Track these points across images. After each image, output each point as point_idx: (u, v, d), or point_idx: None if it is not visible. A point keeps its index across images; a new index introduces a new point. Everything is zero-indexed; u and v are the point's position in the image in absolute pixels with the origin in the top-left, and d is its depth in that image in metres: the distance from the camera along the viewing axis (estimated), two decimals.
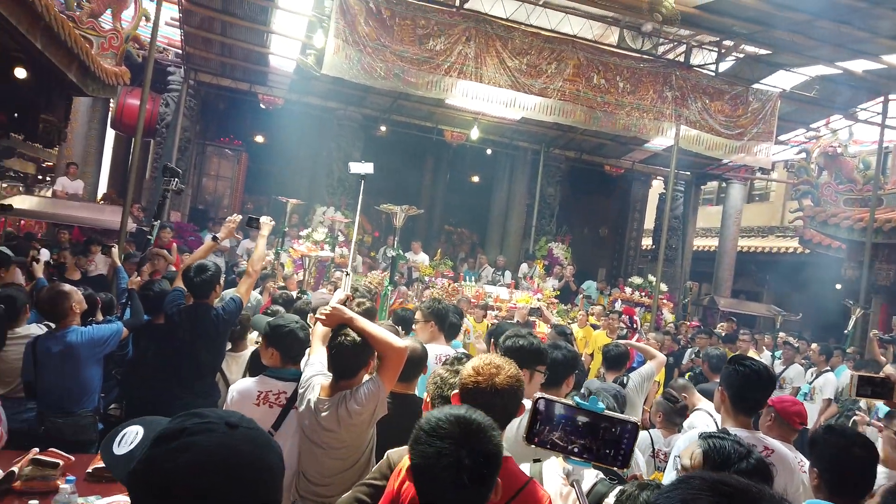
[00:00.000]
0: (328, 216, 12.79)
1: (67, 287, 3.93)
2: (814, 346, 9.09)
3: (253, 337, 4.93)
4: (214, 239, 4.63)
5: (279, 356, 3.19)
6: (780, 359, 9.03)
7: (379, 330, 2.74)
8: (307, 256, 11.00)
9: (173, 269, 7.20)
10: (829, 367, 8.33)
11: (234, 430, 0.99)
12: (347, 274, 3.55)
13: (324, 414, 2.66)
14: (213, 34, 11.17)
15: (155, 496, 0.95)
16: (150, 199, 12.33)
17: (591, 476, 2.30)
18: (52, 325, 3.94)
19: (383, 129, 14.21)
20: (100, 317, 4.71)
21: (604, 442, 1.47)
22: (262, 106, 13.32)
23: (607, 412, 1.46)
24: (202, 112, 14.39)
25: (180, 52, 12.20)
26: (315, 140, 15.08)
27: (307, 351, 3.28)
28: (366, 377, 2.76)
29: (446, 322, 4.41)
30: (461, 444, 1.54)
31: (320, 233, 12.09)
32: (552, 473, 2.36)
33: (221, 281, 4.34)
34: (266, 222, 4.60)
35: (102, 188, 15.08)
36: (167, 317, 4.23)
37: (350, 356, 2.70)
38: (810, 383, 8.28)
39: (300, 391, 2.86)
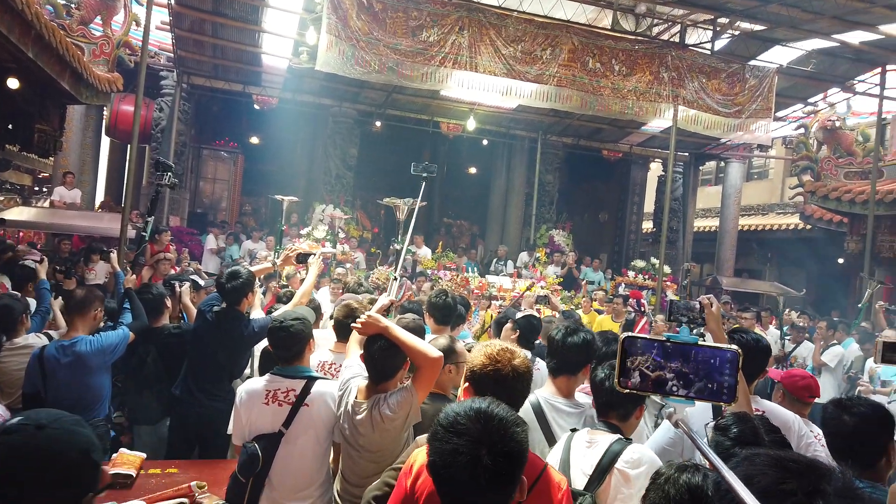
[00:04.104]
0: (327, 213, 12.76)
1: (100, 293, 3.94)
2: (821, 323, 9.04)
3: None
4: (273, 264, 5.01)
5: (274, 354, 3.18)
6: (789, 337, 9.00)
7: (414, 340, 2.71)
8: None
9: (174, 272, 7.19)
10: (835, 342, 8.31)
11: (40, 431, 1.28)
12: (395, 278, 3.45)
13: (359, 417, 2.66)
14: (204, 36, 11.10)
15: None
16: (148, 204, 12.28)
17: (607, 440, 2.35)
18: (51, 335, 3.91)
19: (378, 124, 14.15)
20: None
21: (703, 376, 1.33)
22: (256, 106, 13.28)
23: (702, 343, 1.33)
24: (196, 115, 14.33)
25: (172, 55, 12.14)
26: (311, 138, 15.04)
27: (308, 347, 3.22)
28: (402, 383, 2.75)
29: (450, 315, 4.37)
30: (481, 442, 1.44)
31: (321, 230, 12.07)
32: (579, 443, 2.41)
33: (256, 289, 4.32)
34: (314, 260, 4.73)
35: (100, 196, 15.04)
36: (199, 314, 4.22)
37: (385, 360, 2.70)
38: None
39: (339, 393, 2.85)
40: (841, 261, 14.00)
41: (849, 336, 8.41)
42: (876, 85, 11.18)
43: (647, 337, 1.37)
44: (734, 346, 1.35)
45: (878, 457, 2.40)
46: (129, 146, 8.19)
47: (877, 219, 10.91)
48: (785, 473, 1.00)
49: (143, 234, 4.88)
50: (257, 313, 4.40)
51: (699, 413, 2.81)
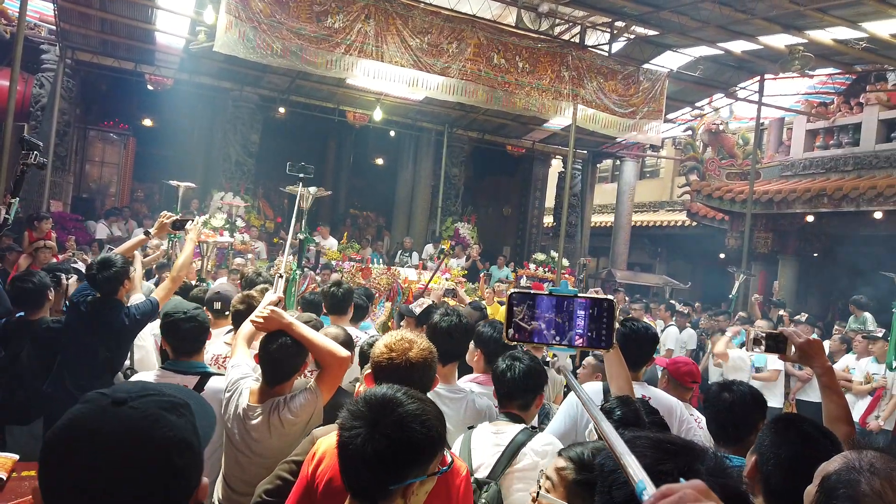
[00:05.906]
0: (226, 201, 12.30)
1: None
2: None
3: None
4: (147, 234, 4.47)
5: (170, 347, 3.01)
6: (672, 325, 9.58)
7: (320, 338, 2.56)
8: (205, 243, 10.52)
9: (55, 261, 6.71)
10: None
11: (118, 407, 0.96)
12: (281, 276, 3.28)
13: (253, 422, 2.48)
14: (90, 9, 10.37)
15: (40, 467, 0.95)
16: (27, 188, 11.36)
17: (513, 430, 2.44)
18: None
19: (282, 110, 13.76)
20: None
21: (579, 325, 1.40)
22: (149, 87, 12.55)
23: (581, 294, 1.40)
24: (82, 94, 13.38)
25: (54, 28, 11.26)
26: (209, 122, 14.41)
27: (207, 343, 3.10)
28: (302, 379, 2.62)
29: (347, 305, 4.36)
30: (377, 425, 1.46)
31: (219, 219, 11.62)
32: (482, 436, 2.45)
33: (132, 275, 4.02)
34: (192, 227, 4.38)
35: None
36: (72, 306, 3.89)
37: (284, 360, 2.54)
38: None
39: (226, 395, 2.65)
40: (722, 255, 15.03)
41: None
42: (755, 92, 12.06)
43: (528, 291, 1.43)
44: (609, 297, 1.45)
45: (749, 433, 2.62)
46: (3, 124, 7.53)
47: (754, 217, 11.80)
48: (663, 455, 1.06)
49: (7, 216, 4.46)
50: (137, 297, 4.10)
51: (592, 397, 2.96)
